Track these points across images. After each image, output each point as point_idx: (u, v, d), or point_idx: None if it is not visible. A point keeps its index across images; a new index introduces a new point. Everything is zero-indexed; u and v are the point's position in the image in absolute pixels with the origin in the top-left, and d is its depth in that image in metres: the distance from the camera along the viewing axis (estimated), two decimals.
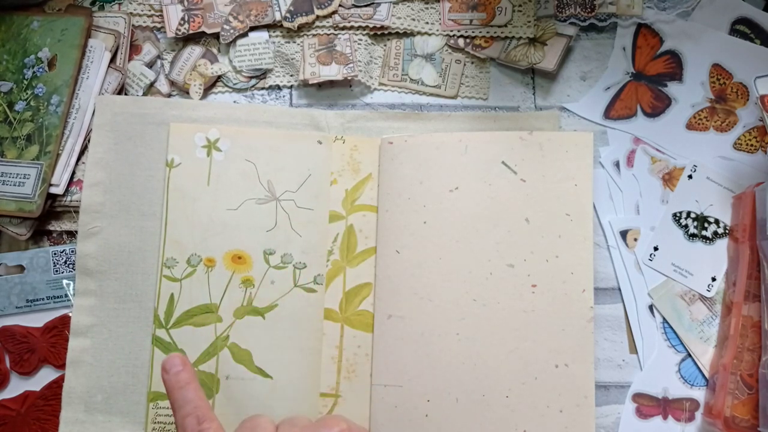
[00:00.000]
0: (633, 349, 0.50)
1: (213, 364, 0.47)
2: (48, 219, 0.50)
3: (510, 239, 0.47)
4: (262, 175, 0.49)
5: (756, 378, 0.46)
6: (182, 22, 0.52)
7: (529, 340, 0.45)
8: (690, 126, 0.52)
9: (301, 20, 0.52)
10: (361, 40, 0.53)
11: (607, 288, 0.50)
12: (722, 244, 0.50)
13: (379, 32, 0.53)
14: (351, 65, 0.52)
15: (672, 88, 0.53)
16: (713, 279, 0.50)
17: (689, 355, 0.49)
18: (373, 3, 0.53)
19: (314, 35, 0.53)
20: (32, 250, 0.50)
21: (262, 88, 0.53)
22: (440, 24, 0.53)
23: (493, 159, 0.48)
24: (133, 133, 0.50)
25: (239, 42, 0.53)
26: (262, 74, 0.53)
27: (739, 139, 0.52)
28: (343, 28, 0.53)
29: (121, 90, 0.51)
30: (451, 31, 0.53)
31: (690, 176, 0.51)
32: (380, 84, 0.53)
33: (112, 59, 0.51)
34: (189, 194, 0.49)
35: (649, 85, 0.53)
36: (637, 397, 0.49)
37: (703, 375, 0.49)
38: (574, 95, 0.53)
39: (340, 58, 0.52)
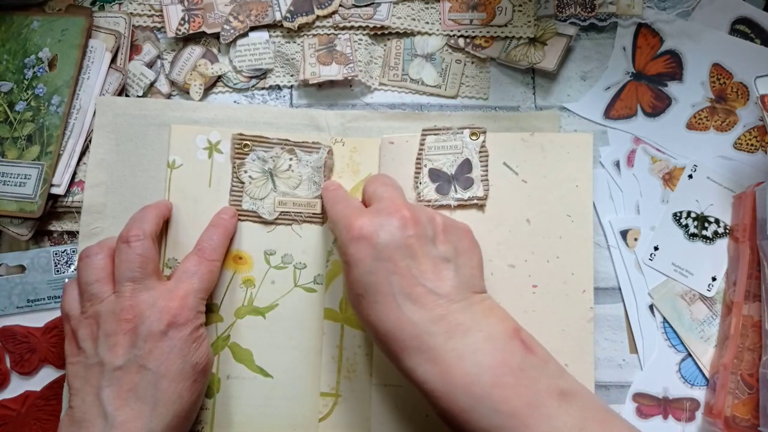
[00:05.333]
0: (633, 348, 0.50)
1: (214, 364, 0.47)
2: (49, 219, 0.50)
3: (511, 240, 0.47)
4: None
5: (756, 377, 0.46)
6: (182, 22, 0.52)
7: None
8: (690, 126, 0.52)
9: (302, 20, 0.52)
10: (361, 40, 0.53)
11: (608, 288, 0.50)
12: (722, 243, 0.50)
13: (379, 32, 0.53)
14: (351, 65, 0.52)
15: (672, 88, 0.53)
16: (713, 279, 0.50)
17: (689, 355, 0.49)
18: (373, 3, 0.53)
19: (314, 35, 0.53)
20: (33, 250, 0.50)
21: (263, 88, 0.53)
22: (440, 24, 0.53)
23: (494, 160, 0.48)
24: (134, 134, 0.50)
25: (239, 42, 0.53)
26: (263, 74, 0.53)
27: (739, 138, 0.52)
28: (343, 28, 0.53)
29: (123, 90, 0.51)
30: (452, 31, 0.53)
31: (690, 176, 0.51)
32: (380, 84, 0.53)
33: (113, 60, 0.51)
34: (190, 195, 0.49)
35: (649, 84, 0.53)
36: (638, 396, 0.49)
37: (704, 375, 0.49)
38: (574, 95, 0.53)
39: (340, 58, 0.52)
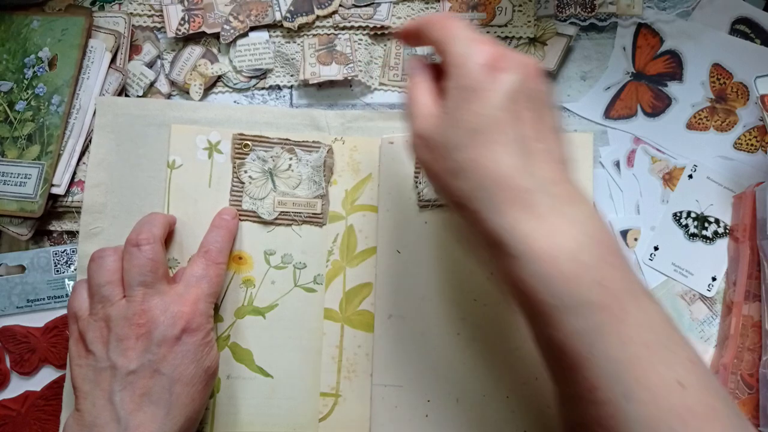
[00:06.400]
0: None
1: None
2: (48, 219, 0.50)
3: None
4: None
5: (756, 378, 0.46)
6: (182, 22, 0.52)
7: (530, 340, 0.45)
8: (690, 126, 0.52)
9: (302, 20, 0.52)
10: (361, 40, 0.53)
11: None
12: (722, 243, 0.50)
13: (379, 32, 0.53)
14: (351, 65, 0.52)
15: (672, 88, 0.53)
16: (713, 279, 0.50)
17: None
18: (373, 3, 0.53)
19: (314, 35, 0.53)
20: (33, 250, 0.50)
21: (263, 88, 0.53)
22: None
23: None
24: (134, 134, 0.50)
25: (239, 42, 0.53)
26: (263, 74, 0.53)
27: (739, 138, 0.52)
28: (343, 28, 0.53)
29: (122, 91, 0.51)
30: None
31: (690, 176, 0.51)
32: (380, 84, 0.53)
33: (113, 60, 0.51)
34: (190, 195, 0.49)
35: (649, 84, 0.53)
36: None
37: None
38: (574, 95, 0.53)
39: (340, 58, 0.52)
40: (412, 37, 0.39)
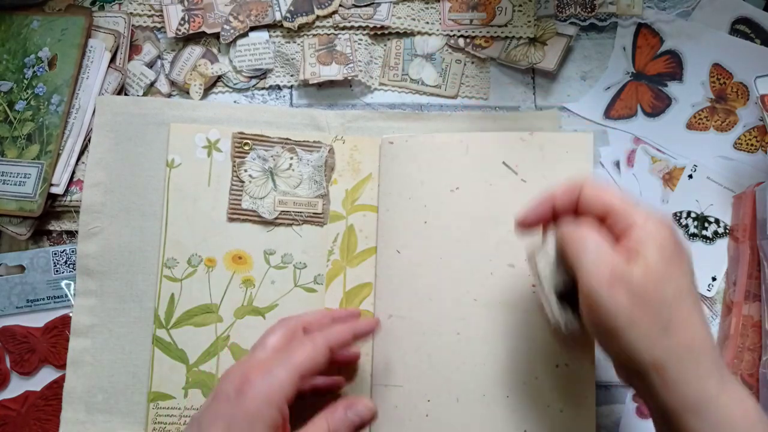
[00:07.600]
0: None
1: (213, 364, 0.47)
2: (47, 219, 0.50)
3: (510, 239, 0.47)
4: None
5: (756, 378, 0.46)
6: (182, 22, 0.52)
7: (530, 340, 0.45)
8: (690, 126, 0.52)
9: (302, 20, 0.52)
10: (361, 40, 0.53)
11: None
12: (722, 243, 0.50)
13: (379, 32, 0.53)
14: (351, 65, 0.52)
15: (672, 88, 0.53)
16: (713, 279, 0.50)
17: None
18: (373, 3, 0.53)
19: (314, 35, 0.53)
20: (33, 250, 0.50)
21: (263, 88, 0.53)
22: (440, 24, 0.53)
23: (493, 159, 0.48)
24: (133, 133, 0.50)
25: (239, 42, 0.53)
26: (263, 74, 0.53)
27: (739, 138, 0.52)
28: (343, 28, 0.53)
29: (121, 90, 0.51)
30: (452, 31, 0.53)
31: (690, 176, 0.51)
32: (380, 84, 0.53)
33: (112, 59, 0.51)
34: (189, 194, 0.49)
35: (649, 84, 0.53)
36: (638, 396, 0.49)
37: None
38: (574, 95, 0.53)
39: (340, 58, 0.52)
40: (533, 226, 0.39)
